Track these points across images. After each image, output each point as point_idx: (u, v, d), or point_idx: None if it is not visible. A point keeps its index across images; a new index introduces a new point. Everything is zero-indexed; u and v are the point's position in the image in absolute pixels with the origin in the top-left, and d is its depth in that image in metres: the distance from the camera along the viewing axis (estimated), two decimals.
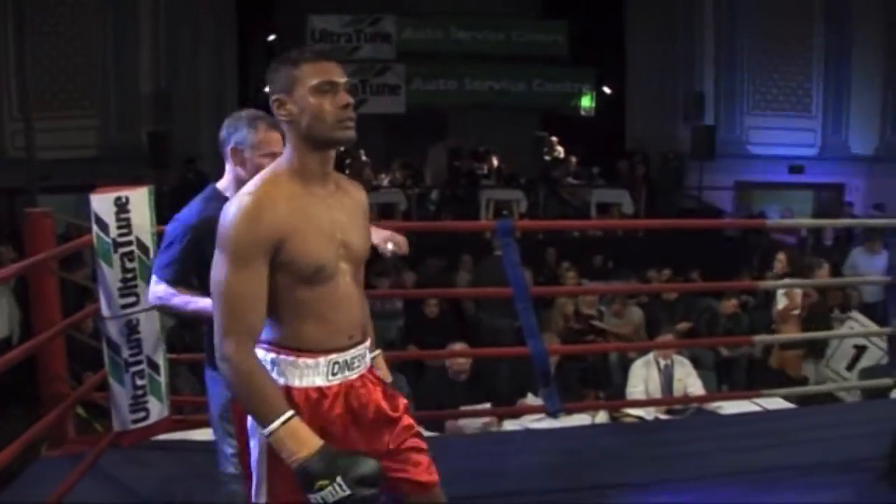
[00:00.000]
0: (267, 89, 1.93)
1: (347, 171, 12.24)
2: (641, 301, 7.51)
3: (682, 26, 13.82)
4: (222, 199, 2.29)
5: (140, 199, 3.08)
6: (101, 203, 3.05)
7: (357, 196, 2.03)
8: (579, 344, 6.23)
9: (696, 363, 5.66)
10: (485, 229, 4.26)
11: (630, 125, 14.74)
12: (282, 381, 1.87)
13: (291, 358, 1.87)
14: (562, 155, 13.01)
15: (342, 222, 1.90)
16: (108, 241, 3.06)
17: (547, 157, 12.99)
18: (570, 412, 3.91)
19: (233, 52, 13.42)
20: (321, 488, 1.72)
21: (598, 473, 3.43)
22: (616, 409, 4.45)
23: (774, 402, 4.46)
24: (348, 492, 1.72)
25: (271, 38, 14.95)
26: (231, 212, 1.79)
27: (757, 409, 4.41)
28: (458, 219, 11.45)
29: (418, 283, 8.09)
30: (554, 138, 13.31)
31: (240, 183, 2.33)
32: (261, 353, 1.87)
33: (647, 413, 4.55)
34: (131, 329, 3.16)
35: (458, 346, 4.80)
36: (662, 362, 5.27)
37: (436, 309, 7.03)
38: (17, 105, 11.76)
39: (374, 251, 2.29)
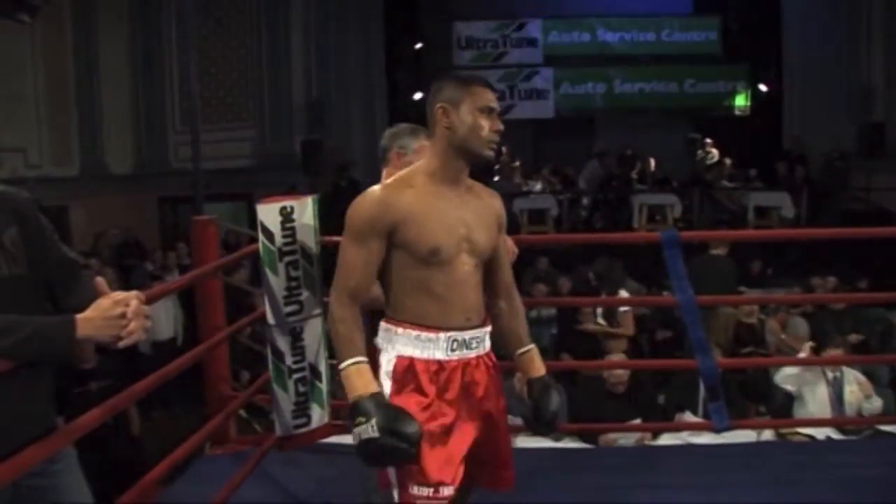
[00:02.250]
0: (429, 97, 2.17)
1: (498, 178, 12.27)
2: (805, 311, 7.06)
3: (847, 14, 12.84)
4: None
5: (305, 209, 3.12)
6: (267, 213, 3.12)
7: (489, 202, 2.24)
8: (738, 355, 5.91)
9: (870, 381, 5.24)
10: (649, 240, 4.11)
11: (788, 124, 13.88)
12: (406, 352, 2.11)
13: (415, 332, 2.10)
14: (716, 157, 12.51)
15: (468, 220, 2.13)
16: (274, 249, 3.12)
17: (700, 160, 12.51)
18: (737, 429, 3.68)
19: (380, 60, 13.71)
20: (358, 424, 1.96)
21: (767, 493, 3.22)
22: (784, 427, 4.16)
23: None
24: (376, 435, 1.94)
25: (418, 45, 15.17)
26: (365, 197, 2.12)
27: None
28: (609, 224, 11.22)
29: (573, 290, 7.93)
30: (708, 140, 12.83)
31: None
32: (390, 326, 2.14)
33: (819, 432, 4.25)
34: (295, 337, 3.21)
35: (616, 358, 4.65)
36: (831, 374, 4.90)
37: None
38: (180, 119, 12.51)
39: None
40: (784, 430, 4.32)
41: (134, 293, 1.84)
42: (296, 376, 3.23)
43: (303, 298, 3.17)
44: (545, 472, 3.47)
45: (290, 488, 3.46)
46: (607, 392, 4.62)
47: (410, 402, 2.06)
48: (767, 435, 4.17)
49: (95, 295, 1.84)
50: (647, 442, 4.07)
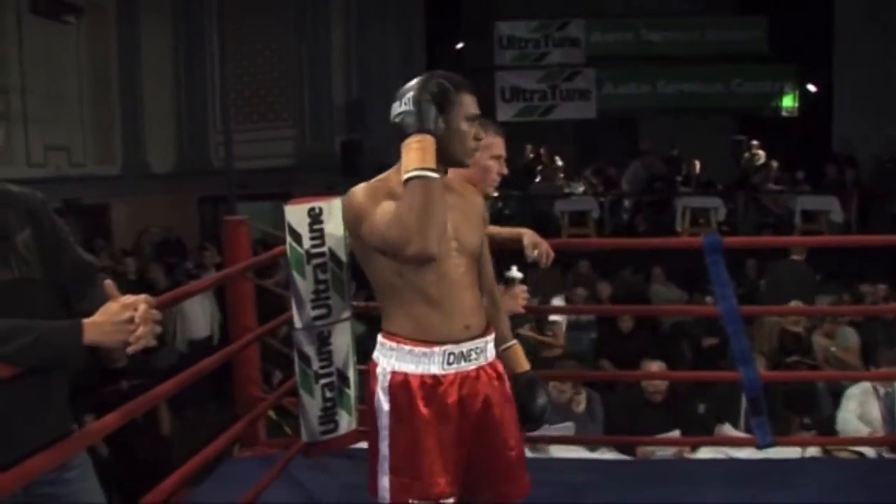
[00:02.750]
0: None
1: (539, 179, 12.14)
2: (854, 320, 6.81)
3: None
4: None
5: (334, 210, 3.03)
6: (295, 214, 3.05)
7: (472, 199, 2.20)
8: (784, 367, 5.71)
9: None
10: (690, 246, 3.97)
11: (838, 125, 13.47)
12: (399, 367, 2.03)
13: (408, 347, 2.02)
14: (762, 159, 12.21)
15: (455, 220, 2.05)
16: (301, 251, 3.06)
17: (746, 162, 12.23)
18: (781, 445, 3.52)
19: (421, 60, 13.64)
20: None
21: None
22: (832, 445, 3.98)
23: None
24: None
25: (459, 45, 15.10)
26: (351, 193, 2.03)
27: None
28: (652, 227, 11.02)
29: (613, 294, 7.79)
30: (754, 142, 12.53)
31: (468, 181, 2.49)
32: (385, 341, 2.06)
33: (868, 449, 4.06)
34: (322, 341, 3.14)
35: (656, 366, 4.51)
36: (882, 390, 4.69)
37: (630, 323, 6.73)
38: (221, 118, 12.59)
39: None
40: (831, 447, 4.13)
41: (143, 297, 1.78)
42: (323, 381, 3.16)
43: (331, 302, 3.10)
44: (582, 484, 3.36)
45: (315, 493, 3.40)
46: (645, 401, 4.49)
47: (407, 419, 2.01)
48: (813, 451, 3.99)
49: (105, 299, 1.78)
50: (686, 454, 3.91)
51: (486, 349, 2.12)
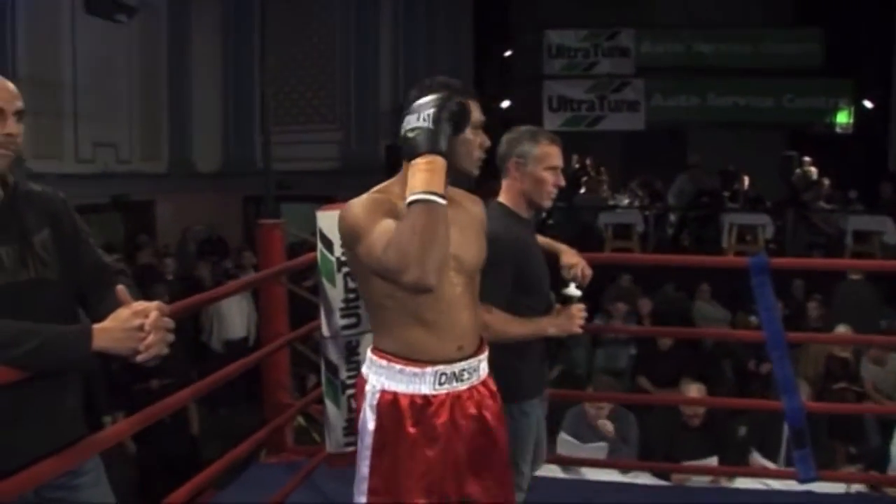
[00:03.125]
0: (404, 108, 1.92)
1: (584, 190, 11.98)
2: None
3: None
4: (515, 216, 2.54)
5: None
6: (327, 219, 2.99)
7: (472, 210, 2.09)
8: (830, 394, 5.51)
9: None
10: (735, 266, 3.83)
11: (895, 143, 13.16)
12: (389, 385, 1.95)
13: (399, 366, 1.94)
14: (814, 176, 11.88)
15: (453, 236, 1.87)
16: (332, 259, 3.00)
17: (797, 179, 11.92)
18: (825, 480, 3.36)
19: (469, 67, 13.56)
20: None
21: None
22: (883, 483, 3.79)
23: None
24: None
25: (507, 53, 15.00)
26: (350, 204, 1.90)
27: None
28: (697, 243, 10.79)
29: (655, 311, 7.62)
30: (806, 158, 12.21)
31: (523, 195, 2.54)
32: (375, 358, 1.98)
33: None
34: (350, 351, 3.08)
35: (695, 388, 4.37)
36: None
37: (669, 341, 6.57)
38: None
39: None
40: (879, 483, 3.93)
41: (155, 304, 1.73)
42: (349, 392, 3.09)
43: (360, 312, 3.03)
44: None
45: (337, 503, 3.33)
46: (682, 424, 4.34)
47: (392, 440, 1.94)
48: (859, 485, 3.81)
49: (117, 304, 1.73)
50: (723, 482, 3.76)
51: (479, 368, 2.04)
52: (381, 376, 1.97)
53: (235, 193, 12.52)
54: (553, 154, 2.54)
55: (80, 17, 10.13)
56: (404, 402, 1.94)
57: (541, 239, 2.86)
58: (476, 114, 1.95)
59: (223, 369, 3.10)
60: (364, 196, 1.94)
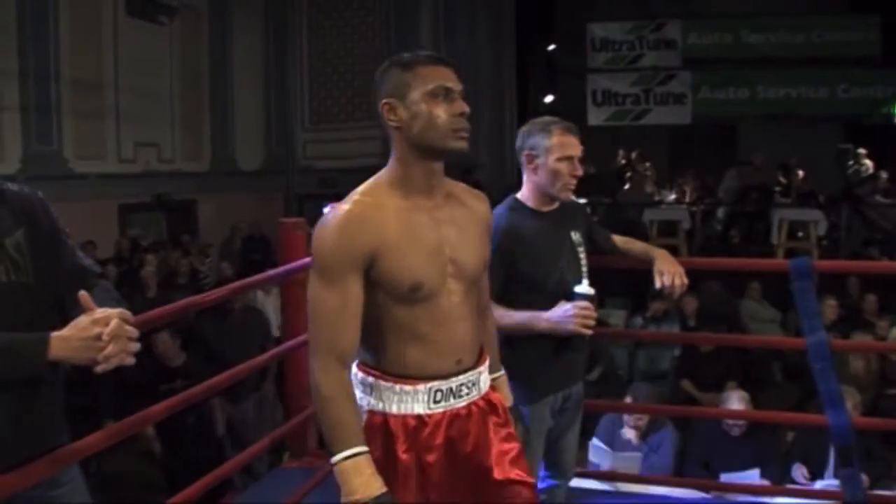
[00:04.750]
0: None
1: (629, 185, 11.72)
2: None
3: None
4: (526, 211, 2.44)
5: None
6: None
7: (475, 207, 1.88)
8: (884, 400, 5.23)
9: None
10: (775, 269, 3.62)
11: None
12: (379, 406, 1.77)
13: (389, 384, 1.76)
14: (870, 170, 11.43)
15: (451, 237, 1.77)
16: None
17: (852, 172, 11.48)
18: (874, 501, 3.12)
19: (511, 61, 13.41)
20: None
21: None
22: None
23: None
24: None
25: (551, 47, 14.80)
26: (322, 225, 1.71)
27: None
28: (746, 239, 10.45)
29: (699, 309, 7.34)
30: (861, 150, 11.75)
31: (538, 190, 2.43)
32: (360, 374, 1.80)
33: None
34: None
35: (737, 396, 4.15)
36: None
37: (709, 346, 6.33)
38: (309, 117, 12.72)
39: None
40: None
41: (117, 311, 1.61)
42: None
43: None
44: None
45: None
46: (724, 432, 4.13)
47: (383, 468, 1.72)
48: None
49: (83, 310, 1.63)
50: (765, 499, 3.55)
51: (480, 381, 1.85)
52: (368, 395, 1.79)
53: (277, 191, 12.54)
54: (567, 143, 2.40)
55: (121, 19, 10.23)
56: (395, 425, 1.77)
57: (636, 243, 2.74)
58: (428, 80, 1.73)
59: (239, 366, 3.07)
60: (341, 214, 1.72)
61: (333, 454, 1.69)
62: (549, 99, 14.61)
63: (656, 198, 11.70)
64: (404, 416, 1.77)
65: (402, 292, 1.72)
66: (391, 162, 1.79)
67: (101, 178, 9.72)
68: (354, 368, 1.82)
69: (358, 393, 1.80)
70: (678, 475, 4.14)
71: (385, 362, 1.78)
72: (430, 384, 1.77)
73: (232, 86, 12.26)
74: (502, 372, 2.06)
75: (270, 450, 4.42)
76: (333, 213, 1.73)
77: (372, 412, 1.78)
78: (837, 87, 13.30)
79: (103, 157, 10.01)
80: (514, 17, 13.38)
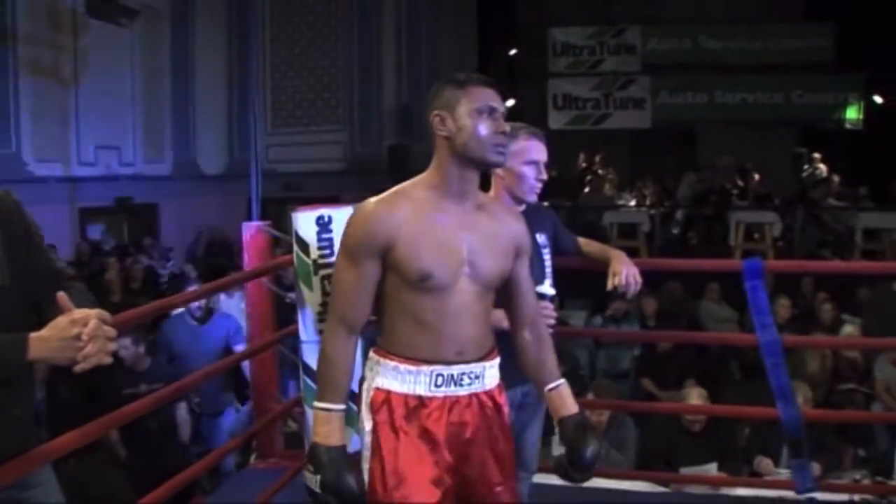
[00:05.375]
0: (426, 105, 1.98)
1: (589, 189, 11.85)
2: None
3: None
4: None
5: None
6: (304, 221, 2.92)
7: (507, 223, 2.03)
8: (837, 395, 5.38)
9: None
10: (729, 269, 3.73)
11: None
12: (383, 384, 1.93)
13: (393, 363, 1.92)
14: (824, 173, 11.72)
15: (473, 242, 1.92)
16: (309, 262, 2.92)
17: (806, 176, 11.77)
18: (825, 490, 3.23)
19: (473, 66, 13.50)
20: (309, 471, 1.89)
21: None
22: (888, 492, 3.65)
23: None
24: (318, 490, 1.86)
25: (512, 52, 14.92)
26: (354, 213, 1.95)
27: None
28: (704, 241, 10.66)
29: (659, 310, 7.48)
30: (815, 154, 12.04)
31: (506, 193, 2.49)
32: (375, 356, 1.97)
33: None
34: None
35: (696, 393, 4.26)
36: None
37: (668, 346, 6.45)
38: (271, 121, 12.68)
39: None
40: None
41: (95, 311, 1.64)
42: None
43: None
44: None
45: None
46: (683, 429, 4.23)
47: (386, 441, 1.93)
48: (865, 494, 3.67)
49: (61, 311, 1.65)
50: (723, 490, 3.65)
51: (484, 375, 1.97)
52: (376, 374, 1.96)
53: (239, 195, 12.45)
54: (532, 148, 2.49)
55: (81, 20, 10.13)
56: (396, 402, 1.92)
57: (594, 245, 2.83)
58: (477, 99, 1.91)
59: (204, 369, 3.07)
60: (371, 205, 1.93)
61: (318, 400, 1.94)
62: (510, 103, 14.70)
63: (617, 201, 11.85)
64: (406, 396, 1.92)
65: (413, 280, 1.88)
66: (432, 166, 1.97)
67: (62, 181, 9.62)
68: (371, 351, 1.99)
69: (368, 373, 1.99)
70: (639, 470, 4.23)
71: (393, 344, 1.94)
72: (432, 367, 1.90)
73: (193, 89, 12.21)
74: (563, 380, 2.11)
75: (237, 451, 4.44)
76: (365, 204, 1.94)
77: (377, 389, 1.95)
78: (792, 92, 13.64)
79: (64, 160, 9.90)
80: (475, 23, 13.48)
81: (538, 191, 2.52)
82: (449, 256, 1.90)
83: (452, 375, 1.92)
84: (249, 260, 3.84)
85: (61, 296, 1.66)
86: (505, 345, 2.45)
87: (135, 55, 11.18)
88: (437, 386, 1.91)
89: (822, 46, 13.45)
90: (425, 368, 1.90)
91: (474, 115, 1.90)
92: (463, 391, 1.94)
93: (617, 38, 13.93)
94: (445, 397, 1.92)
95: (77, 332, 1.59)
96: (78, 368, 1.62)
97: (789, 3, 14.23)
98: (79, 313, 1.63)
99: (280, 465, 3.77)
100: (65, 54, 9.97)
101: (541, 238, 2.59)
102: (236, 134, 12.94)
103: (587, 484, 3.73)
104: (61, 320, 1.62)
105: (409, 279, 1.88)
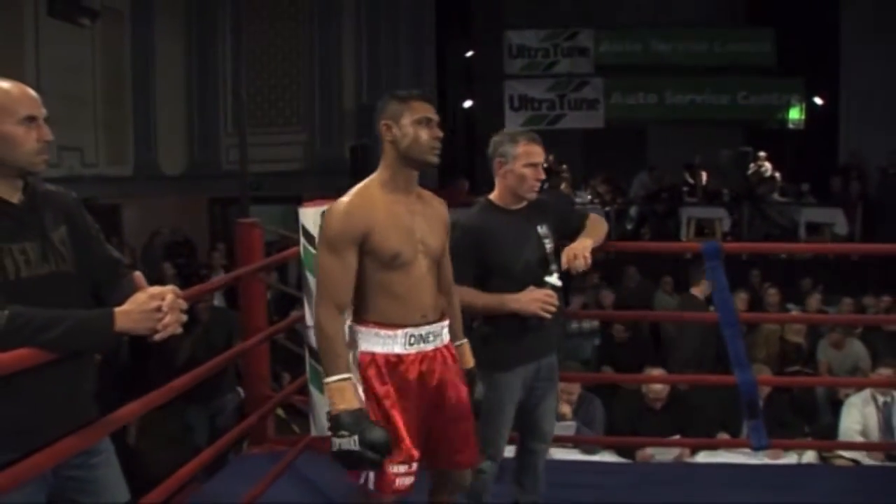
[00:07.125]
0: (375, 115, 2.38)
1: (547, 185, 12.15)
2: (856, 331, 6.87)
3: None
4: (497, 210, 2.85)
5: None
6: (309, 216, 3.17)
7: (437, 208, 2.47)
8: (784, 375, 5.79)
9: None
10: (689, 250, 4.08)
11: (844, 138, 13.47)
12: (367, 347, 2.31)
13: (375, 330, 2.31)
14: (769, 171, 12.26)
15: (421, 225, 2.36)
16: (314, 252, 3.16)
17: (753, 174, 12.29)
18: (776, 448, 3.60)
19: (431, 67, 13.72)
20: (341, 437, 2.18)
21: None
22: (829, 449, 4.06)
23: None
24: (357, 448, 2.16)
25: (469, 53, 15.18)
26: (331, 211, 2.31)
27: None
28: (657, 237, 11.08)
29: (616, 301, 7.85)
30: (761, 153, 12.58)
31: (507, 191, 2.84)
32: (356, 326, 2.34)
33: (864, 457, 4.13)
34: None
35: (657, 372, 4.60)
36: (881, 399, 4.77)
37: (624, 335, 6.82)
38: (231, 122, 12.74)
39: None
40: (827, 454, 4.20)
41: (170, 287, 1.89)
42: None
43: None
44: (577, 485, 3.44)
45: (320, 488, 3.48)
46: (646, 407, 4.57)
47: (375, 395, 2.29)
48: (810, 457, 4.07)
49: (134, 290, 1.89)
50: (685, 459, 4.00)
51: (442, 333, 2.41)
52: (360, 341, 2.33)
53: (201, 196, 12.54)
54: (531, 152, 2.82)
55: (43, 21, 10.10)
56: (381, 360, 2.31)
57: (588, 228, 3.05)
58: (417, 112, 2.31)
59: (205, 365, 3.16)
60: (345, 204, 2.30)
61: (327, 376, 2.25)
62: (467, 104, 15.00)
63: (575, 199, 12.20)
64: (387, 355, 2.31)
65: (386, 260, 2.29)
66: (381, 167, 2.38)
67: (47, 183, 9.58)
68: (350, 323, 2.36)
69: (353, 342, 2.34)
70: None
71: (373, 314, 2.33)
72: (405, 330, 2.32)
73: (155, 89, 12.22)
74: (465, 340, 2.58)
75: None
76: (339, 203, 2.31)
77: (363, 353, 2.33)
78: (738, 94, 14.15)
79: None
80: (434, 24, 13.70)
81: (537, 188, 2.84)
82: (409, 237, 2.33)
83: (421, 335, 2.34)
84: (243, 255, 4.03)
85: (138, 275, 1.91)
86: (513, 328, 2.75)
87: (96, 56, 11.17)
88: (410, 344, 2.32)
89: (765, 51, 14.00)
90: (399, 332, 2.31)
91: (415, 124, 2.30)
92: (429, 346, 2.36)
93: (570, 41, 14.28)
94: (418, 353, 2.34)
95: (157, 304, 1.84)
96: (157, 337, 1.86)
97: (733, 9, 14.81)
98: (155, 289, 1.87)
99: (274, 450, 3.95)
100: (27, 55, 9.95)
101: (541, 229, 2.87)
102: (197, 135, 12.99)
103: (558, 457, 4.06)
104: (140, 296, 1.86)
105: (382, 259, 2.29)
